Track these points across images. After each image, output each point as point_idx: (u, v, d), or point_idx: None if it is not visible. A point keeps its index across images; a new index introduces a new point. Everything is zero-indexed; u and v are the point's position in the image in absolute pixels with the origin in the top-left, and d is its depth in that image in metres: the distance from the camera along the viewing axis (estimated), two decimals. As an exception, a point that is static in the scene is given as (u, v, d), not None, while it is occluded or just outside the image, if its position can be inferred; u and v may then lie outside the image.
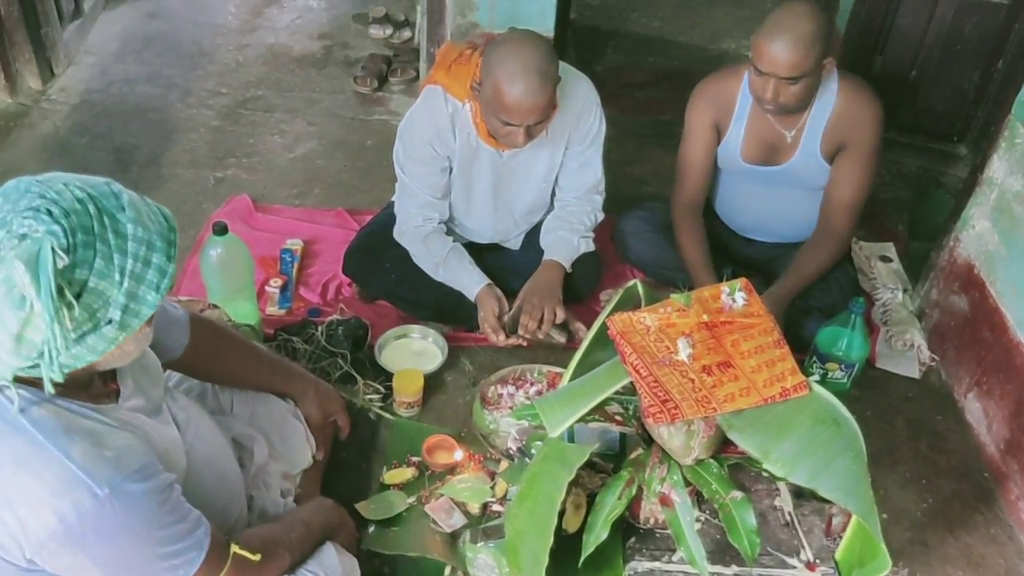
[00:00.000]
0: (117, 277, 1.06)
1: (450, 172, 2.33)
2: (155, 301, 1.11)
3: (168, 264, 1.12)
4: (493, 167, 2.32)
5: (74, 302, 1.03)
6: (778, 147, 2.37)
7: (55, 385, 1.08)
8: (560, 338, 2.31)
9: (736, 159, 2.42)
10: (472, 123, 2.22)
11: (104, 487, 1.10)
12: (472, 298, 2.31)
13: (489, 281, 2.32)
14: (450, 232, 2.45)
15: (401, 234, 2.39)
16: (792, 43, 2.07)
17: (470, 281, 2.32)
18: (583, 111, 2.29)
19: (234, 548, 1.29)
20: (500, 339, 2.28)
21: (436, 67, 2.25)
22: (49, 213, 1.01)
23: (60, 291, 1.01)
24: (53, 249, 1.00)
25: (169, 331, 1.54)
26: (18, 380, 1.09)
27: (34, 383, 1.10)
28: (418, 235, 2.35)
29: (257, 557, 1.32)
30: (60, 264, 1.00)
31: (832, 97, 2.27)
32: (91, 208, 1.05)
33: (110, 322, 1.07)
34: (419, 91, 2.32)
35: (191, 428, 1.44)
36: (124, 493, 1.12)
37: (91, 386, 1.22)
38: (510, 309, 2.32)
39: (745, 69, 2.30)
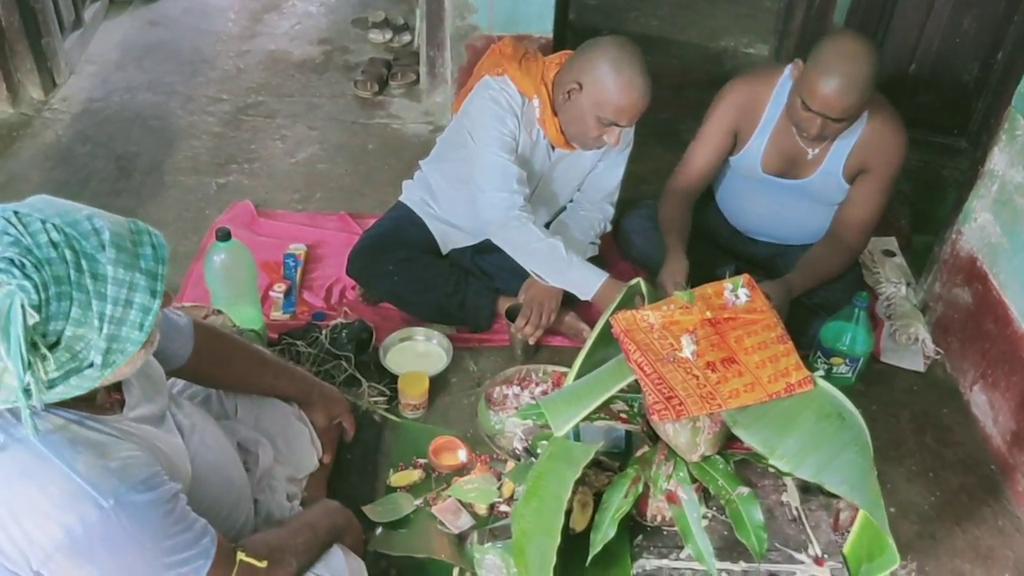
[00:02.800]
0: (96, 323, 1.05)
1: None
2: (140, 339, 1.11)
3: (152, 301, 1.10)
4: (542, 167, 2.35)
5: (48, 354, 1.02)
6: (799, 162, 2.36)
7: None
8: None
9: (755, 168, 2.41)
10: (537, 120, 2.24)
11: (109, 499, 1.09)
12: (591, 294, 2.23)
13: (608, 275, 2.24)
14: (451, 234, 2.47)
15: (507, 221, 2.24)
16: (849, 88, 2.04)
17: (591, 276, 2.23)
18: None
19: (240, 556, 1.29)
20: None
21: (507, 59, 2.24)
22: (22, 266, 0.99)
23: (34, 345, 1.00)
24: (23, 306, 0.97)
25: (173, 339, 1.54)
26: None
27: None
28: (525, 219, 2.24)
29: (263, 564, 1.33)
30: (31, 321, 0.98)
31: (861, 121, 2.26)
32: (68, 254, 1.02)
33: (91, 365, 1.07)
34: (474, 80, 2.31)
35: (196, 435, 1.45)
36: (129, 504, 1.12)
37: (95, 398, 1.22)
38: (504, 305, 2.36)
39: (778, 76, 2.29)
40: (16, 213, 1.03)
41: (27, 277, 0.99)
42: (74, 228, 1.05)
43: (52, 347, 1.02)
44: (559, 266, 2.24)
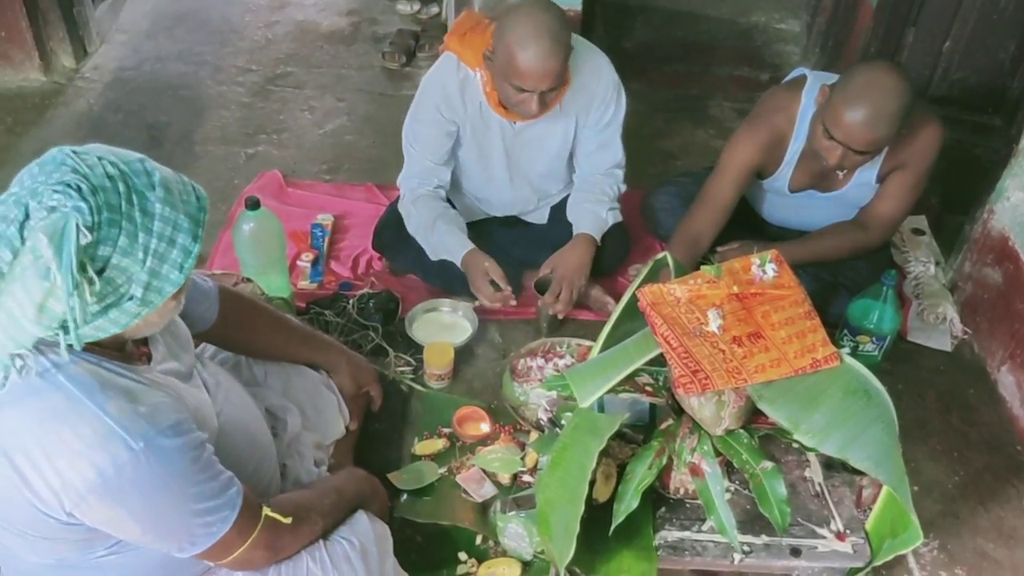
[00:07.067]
0: (140, 255, 1.09)
1: (456, 140, 2.33)
2: (178, 280, 1.14)
3: (193, 244, 1.14)
4: (504, 138, 2.32)
5: (95, 278, 1.05)
6: (830, 177, 2.30)
7: (91, 344, 1.13)
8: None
9: (783, 190, 2.37)
10: (483, 92, 2.22)
11: (139, 441, 1.13)
12: (459, 262, 2.30)
13: (473, 245, 2.31)
14: (473, 208, 2.47)
15: (401, 203, 2.40)
16: (875, 121, 1.94)
17: (456, 245, 2.32)
18: (598, 88, 2.27)
19: (266, 511, 1.33)
20: (489, 300, 2.32)
21: (450, 34, 2.25)
22: (79, 189, 1.04)
23: (82, 266, 1.04)
24: (78, 226, 1.02)
25: (199, 302, 1.58)
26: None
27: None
28: (410, 198, 2.36)
29: (288, 520, 1.36)
30: (83, 241, 1.03)
31: None
32: (121, 186, 1.07)
33: (132, 298, 1.10)
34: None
35: (220, 393, 1.48)
36: (158, 448, 1.15)
37: (124, 348, 1.26)
38: (530, 279, 2.36)
39: (797, 106, 2.21)
40: (74, 151, 1.09)
41: (83, 199, 1.04)
42: (128, 166, 1.11)
43: (99, 273, 1.06)
44: (429, 236, 2.33)
